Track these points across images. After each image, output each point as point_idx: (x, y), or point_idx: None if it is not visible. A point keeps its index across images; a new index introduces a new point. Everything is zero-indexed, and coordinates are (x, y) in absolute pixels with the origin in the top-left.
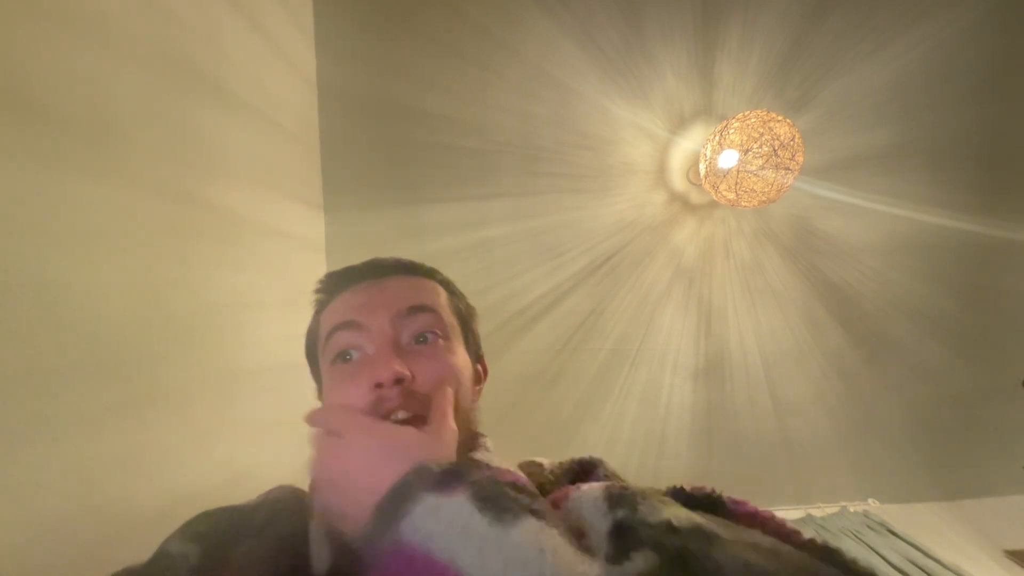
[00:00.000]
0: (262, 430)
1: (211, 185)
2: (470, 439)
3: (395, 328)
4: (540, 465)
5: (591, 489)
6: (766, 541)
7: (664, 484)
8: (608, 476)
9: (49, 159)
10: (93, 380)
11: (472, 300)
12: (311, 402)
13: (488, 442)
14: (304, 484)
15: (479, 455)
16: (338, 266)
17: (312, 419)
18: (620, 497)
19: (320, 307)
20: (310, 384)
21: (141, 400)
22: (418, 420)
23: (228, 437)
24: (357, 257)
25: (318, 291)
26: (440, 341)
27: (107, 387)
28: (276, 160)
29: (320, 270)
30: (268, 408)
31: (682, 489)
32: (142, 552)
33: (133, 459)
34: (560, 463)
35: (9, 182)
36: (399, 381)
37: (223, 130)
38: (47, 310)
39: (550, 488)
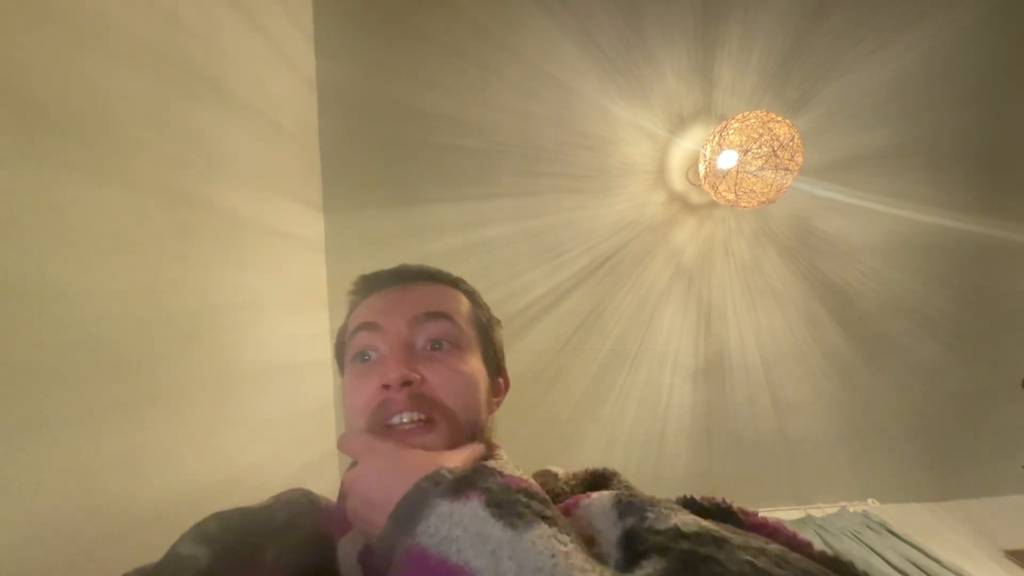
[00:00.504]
0: (262, 430)
1: (211, 185)
2: (484, 449)
3: (411, 332)
4: (555, 475)
5: (600, 497)
6: (774, 547)
7: (664, 484)
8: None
9: (49, 159)
10: (93, 380)
11: None
12: (311, 402)
13: (503, 452)
14: (307, 484)
15: (492, 463)
16: (338, 266)
17: (339, 446)
18: (629, 505)
19: (352, 308)
20: (309, 384)
21: (141, 400)
22: (425, 423)
23: (228, 437)
24: (357, 257)
25: (351, 292)
26: (455, 350)
27: (107, 387)
28: (276, 160)
29: (320, 270)
30: (268, 408)
31: (693, 499)
32: (142, 552)
33: (133, 459)
34: (574, 474)
35: (9, 182)
36: (406, 383)
37: (223, 130)
38: (47, 310)
39: (563, 499)
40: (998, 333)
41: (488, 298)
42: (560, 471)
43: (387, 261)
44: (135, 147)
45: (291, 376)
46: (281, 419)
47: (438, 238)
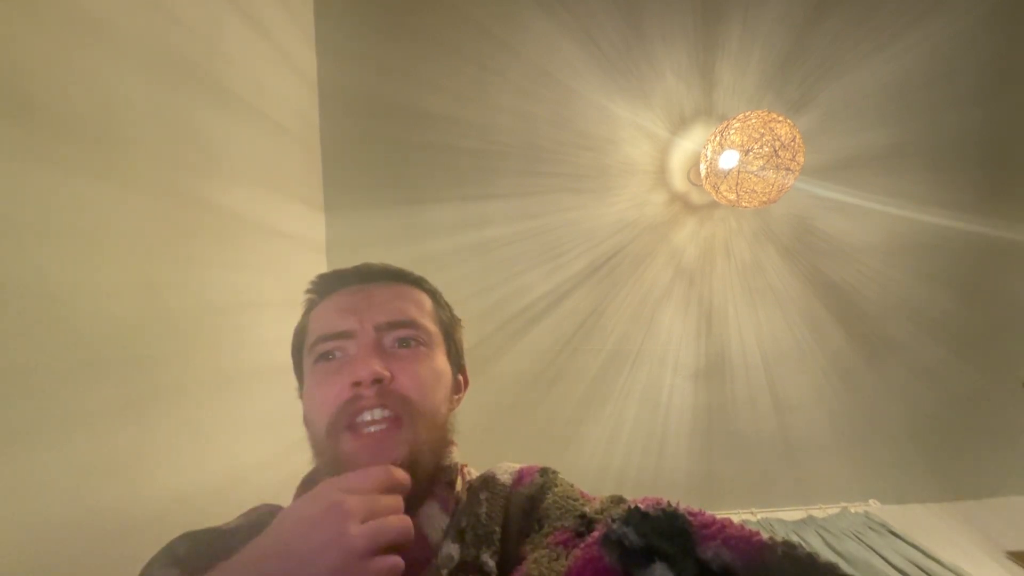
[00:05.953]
0: (262, 430)
1: (211, 185)
2: (442, 446)
3: (378, 333)
4: (495, 479)
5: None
6: None
7: (665, 485)
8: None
9: (49, 159)
10: (93, 380)
11: (472, 300)
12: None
13: (455, 450)
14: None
15: (446, 462)
16: (339, 266)
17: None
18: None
19: (309, 307)
20: None
21: (141, 400)
22: (392, 420)
23: (227, 437)
24: (357, 257)
25: (309, 291)
26: (422, 348)
27: (107, 387)
28: (276, 160)
29: (320, 270)
30: (268, 408)
31: (638, 508)
32: (142, 552)
33: (133, 459)
34: (517, 475)
35: (9, 182)
36: (377, 381)
37: (223, 130)
38: (47, 310)
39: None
40: (999, 334)
41: (488, 298)
42: (506, 476)
43: (387, 261)
44: (135, 147)
45: (291, 376)
46: (281, 419)
47: (438, 238)
